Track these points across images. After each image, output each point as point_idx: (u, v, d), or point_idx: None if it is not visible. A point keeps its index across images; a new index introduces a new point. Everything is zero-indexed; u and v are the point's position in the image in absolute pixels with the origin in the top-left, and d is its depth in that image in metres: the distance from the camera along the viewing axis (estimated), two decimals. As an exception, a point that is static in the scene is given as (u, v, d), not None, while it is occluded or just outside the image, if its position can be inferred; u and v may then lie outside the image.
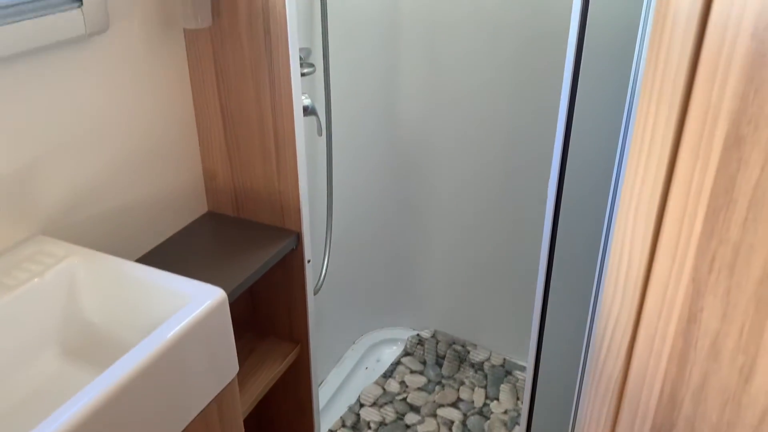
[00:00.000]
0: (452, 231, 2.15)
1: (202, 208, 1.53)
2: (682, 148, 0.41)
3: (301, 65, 1.63)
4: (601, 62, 0.83)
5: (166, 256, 1.36)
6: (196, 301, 0.97)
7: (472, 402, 2.09)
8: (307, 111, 1.58)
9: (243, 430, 1.14)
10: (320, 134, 1.71)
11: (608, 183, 1.10)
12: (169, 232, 1.44)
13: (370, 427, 1.99)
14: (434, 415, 2.04)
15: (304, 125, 1.69)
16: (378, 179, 2.11)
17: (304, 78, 1.69)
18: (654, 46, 0.42)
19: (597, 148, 0.99)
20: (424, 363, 2.25)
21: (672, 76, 0.43)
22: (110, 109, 1.23)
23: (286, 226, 1.47)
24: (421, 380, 2.18)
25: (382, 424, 2.01)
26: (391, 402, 2.09)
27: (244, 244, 1.40)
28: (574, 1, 1.02)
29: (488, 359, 2.25)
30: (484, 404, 2.08)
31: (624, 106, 0.90)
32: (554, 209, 1.04)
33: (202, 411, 1.00)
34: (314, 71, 1.65)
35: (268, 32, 1.29)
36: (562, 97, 1.10)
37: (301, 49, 1.69)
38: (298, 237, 1.46)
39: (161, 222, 1.41)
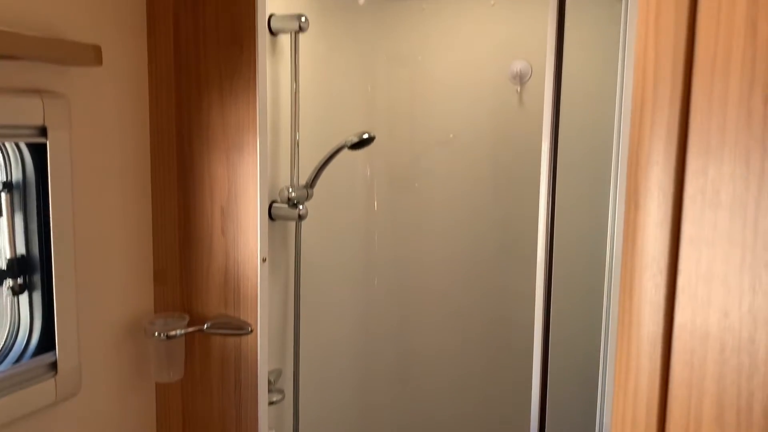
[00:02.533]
0: None
1: None
2: None
3: (270, 391, 1.64)
4: None
5: None
6: None
7: None
8: (274, 446, 1.54)
9: None
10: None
11: None
12: None
13: None
14: None
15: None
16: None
17: (271, 407, 1.69)
18: None
19: None
20: None
21: None
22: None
23: None
24: None
25: None
26: None
27: None
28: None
29: None
30: None
31: None
32: None
33: None
34: (283, 398, 1.66)
35: (239, 382, 1.32)
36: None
37: (270, 372, 1.72)
38: None
39: None
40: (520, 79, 1.82)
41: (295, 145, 1.70)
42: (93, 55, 1.11)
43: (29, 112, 1.07)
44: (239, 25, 1.25)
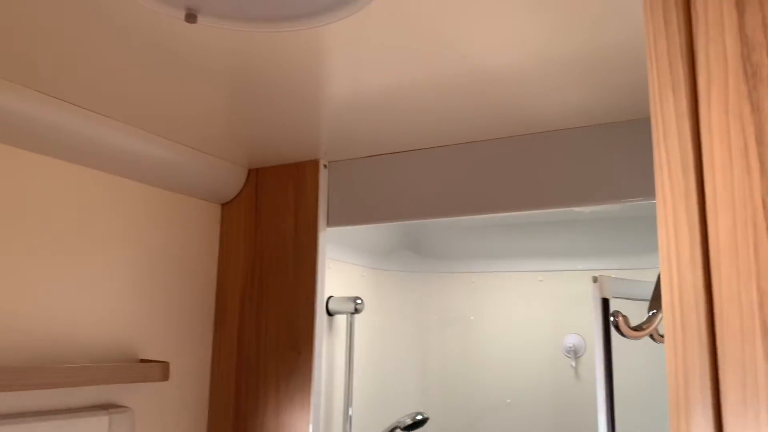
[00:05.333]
0: None
1: None
2: None
3: None
4: None
5: None
6: None
7: None
8: None
9: None
10: None
11: None
12: None
13: None
14: None
15: None
16: None
17: None
18: None
19: None
20: None
21: None
22: None
23: None
24: None
25: None
26: None
27: None
28: None
29: None
30: None
31: None
32: None
33: None
34: None
35: None
36: None
37: None
38: None
39: None
40: (575, 353, 1.81)
41: (347, 420, 1.69)
42: (161, 372, 1.18)
43: (95, 430, 1.11)
44: (297, 331, 1.32)
